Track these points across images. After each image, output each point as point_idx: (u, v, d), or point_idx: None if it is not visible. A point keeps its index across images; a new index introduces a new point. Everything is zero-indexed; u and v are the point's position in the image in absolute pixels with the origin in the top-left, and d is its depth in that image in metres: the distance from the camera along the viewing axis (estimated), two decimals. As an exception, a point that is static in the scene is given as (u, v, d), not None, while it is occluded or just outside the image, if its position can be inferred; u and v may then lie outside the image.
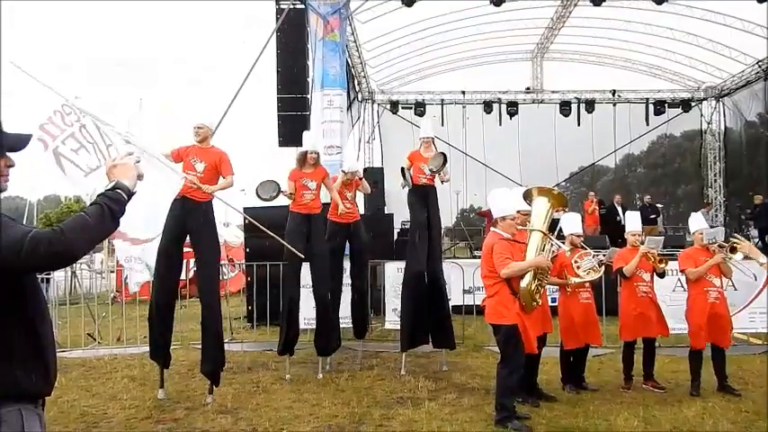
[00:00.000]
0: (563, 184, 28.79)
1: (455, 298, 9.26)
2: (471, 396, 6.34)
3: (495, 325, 5.41)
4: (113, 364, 7.98)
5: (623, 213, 16.41)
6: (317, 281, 7.25)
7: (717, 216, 21.82)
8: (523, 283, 5.34)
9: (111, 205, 2.33)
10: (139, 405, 6.09)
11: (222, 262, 14.43)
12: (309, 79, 13.25)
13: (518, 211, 5.91)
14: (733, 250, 6.42)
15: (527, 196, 5.84)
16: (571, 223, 6.85)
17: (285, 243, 6.79)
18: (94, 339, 9.49)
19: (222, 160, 6.36)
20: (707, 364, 6.53)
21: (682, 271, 6.70)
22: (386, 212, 14.52)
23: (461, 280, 9.50)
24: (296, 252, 6.70)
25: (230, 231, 15.96)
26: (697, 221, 6.89)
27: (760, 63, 18.99)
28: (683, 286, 8.54)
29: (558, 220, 7.04)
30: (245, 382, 6.95)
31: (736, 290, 8.97)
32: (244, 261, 11.04)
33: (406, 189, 7.74)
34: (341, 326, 7.91)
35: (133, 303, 10.29)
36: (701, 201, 21.98)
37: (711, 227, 7.21)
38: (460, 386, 6.79)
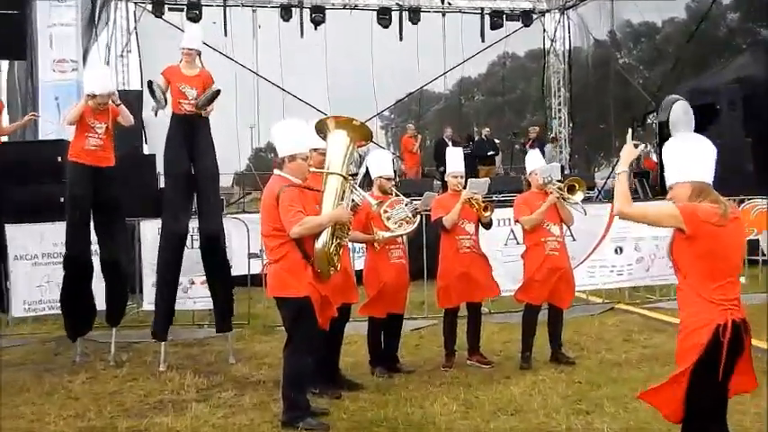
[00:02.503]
0: (386, 114, 29.57)
1: (238, 265, 9.23)
2: (255, 392, 6.37)
3: (281, 298, 5.42)
4: None
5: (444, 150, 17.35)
6: None
7: (561, 153, 23.76)
8: (319, 244, 5.37)
9: None
10: None
11: None
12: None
13: (313, 150, 5.92)
14: (571, 189, 7.00)
15: (321, 129, 5.84)
16: (380, 164, 7.02)
17: None
18: None
19: None
20: (542, 330, 7.12)
21: (517, 221, 7.17)
22: (145, 153, 13.97)
23: (246, 241, 9.41)
24: None
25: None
26: (533, 160, 7.38)
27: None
28: (516, 238, 9.27)
29: (365, 158, 7.18)
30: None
31: (574, 240, 9.89)
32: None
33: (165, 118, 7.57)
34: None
35: None
36: (548, 134, 23.82)
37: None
38: (242, 380, 6.80)
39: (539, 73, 26.37)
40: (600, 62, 23.75)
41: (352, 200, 5.90)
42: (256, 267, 9.44)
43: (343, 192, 5.56)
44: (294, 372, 5.44)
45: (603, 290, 10.22)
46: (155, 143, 14.79)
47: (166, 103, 7.38)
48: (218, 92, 7.44)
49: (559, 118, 24.50)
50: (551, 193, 7.02)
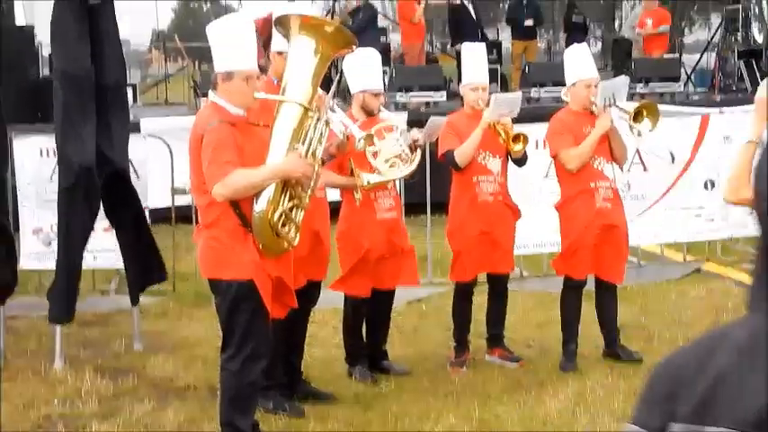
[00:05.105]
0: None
1: (157, 196, 9.45)
2: (182, 403, 6.57)
3: (214, 281, 5.50)
4: None
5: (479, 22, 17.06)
6: None
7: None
8: (256, 209, 5.36)
9: None
10: None
11: None
12: None
13: (277, 53, 5.98)
14: (637, 117, 7.02)
15: (283, 26, 5.77)
16: (363, 71, 6.98)
17: None
18: None
19: None
20: (592, 308, 7.32)
21: (554, 156, 7.23)
22: (24, 25, 13.84)
23: (169, 169, 9.44)
24: None
25: None
26: (577, 61, 7.35)
27: None
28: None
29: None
30: None
31: (645, 170, 9.95)
32: None
33: None
34: None
35: None
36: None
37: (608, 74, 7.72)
38: (162, 384, 7.01)
39: None
40: None
41: (333, 130, 5.91)
42: (184, 201, 9.49)
43: (305, 130, 5.52)
44: (236, 387, 5.54)
45: (686, 243, 10.35)
46: (36, 8, 14.60)
47: None
48: None
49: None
50: (602, 113, 7.00)
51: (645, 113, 7.02)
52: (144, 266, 7.84)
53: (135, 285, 7.85)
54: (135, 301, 7.84)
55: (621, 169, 7.48)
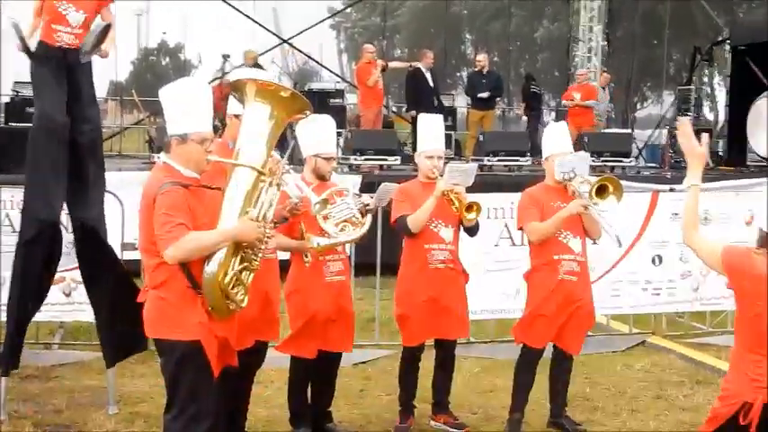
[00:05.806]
0: (338, 6, 29.42)
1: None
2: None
3: (160, 341, 5.45)
4: None
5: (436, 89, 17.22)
6: None
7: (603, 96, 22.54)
8: (207, 271, 5.34)
9: None
10: None
11: None
12: None
13: (234, 116, 6.02)
14: (601, 191, 7.03)
15: (238, 90, 5.81)
16: (318, 135, 7.02)
17: None
18: None
19: None
20: (541, 378, 7.30)
21: (520, 228, 7.33)
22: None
23: (120, 223, 9.38)
24: None
25: None
26: (554, 138, 7.39)
27: None
28: (510, 238, 9.39)
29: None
30: None
31: (594, 243, 10.01)
32: None
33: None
34: None
35: None
36: (572, 59, 23.61)
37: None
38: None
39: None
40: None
41: (287, 193, 5.92)
42: (133, 256, 9.43)
43: (258, 194, 5.53)
44: (180, 445, 5.50)
45: (632, 315, 10.42)
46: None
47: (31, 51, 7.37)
48: (107, 27, 7.49)
49: (590, 27, 24.17)
50: (573, 193, 7.05)
51: (610, 189, 6.95)
52: (122, 332, 7.58)
53: (109, 348, 7.68)
54: (108, 363, 7.69)
55: (595, 240, 7.45)
